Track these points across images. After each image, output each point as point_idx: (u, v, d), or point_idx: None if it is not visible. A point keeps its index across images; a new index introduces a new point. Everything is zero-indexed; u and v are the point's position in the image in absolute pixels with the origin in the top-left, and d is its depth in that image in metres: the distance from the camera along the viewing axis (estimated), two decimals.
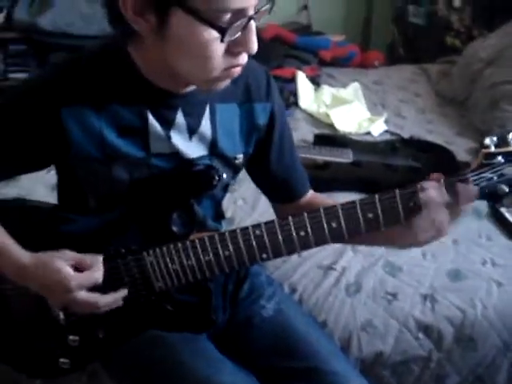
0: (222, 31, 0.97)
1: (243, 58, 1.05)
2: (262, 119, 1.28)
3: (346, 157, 2.23)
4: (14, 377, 1.48)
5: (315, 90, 2.97)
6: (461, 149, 2.53)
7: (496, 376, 1.70)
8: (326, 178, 2.18)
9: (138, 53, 1.11)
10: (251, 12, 0.99)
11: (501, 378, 1.70)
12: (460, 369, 1.66)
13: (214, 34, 0.98)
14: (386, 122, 2.75)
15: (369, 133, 2.65)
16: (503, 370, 1.69)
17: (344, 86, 3.07)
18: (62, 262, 1.11)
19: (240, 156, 1.29)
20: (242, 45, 1.02)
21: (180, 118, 1.17)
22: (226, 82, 1.10)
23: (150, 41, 1.04)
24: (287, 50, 3.16)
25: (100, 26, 3.28)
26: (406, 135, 2.59)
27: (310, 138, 2.49)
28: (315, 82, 3.03)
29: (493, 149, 1.08)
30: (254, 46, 1.02)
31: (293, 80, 2.91)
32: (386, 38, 4.28)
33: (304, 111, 2.82)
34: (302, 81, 2.91)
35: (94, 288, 1.14)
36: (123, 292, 1.18)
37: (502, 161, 1.08)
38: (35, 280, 1.13)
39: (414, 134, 2.61)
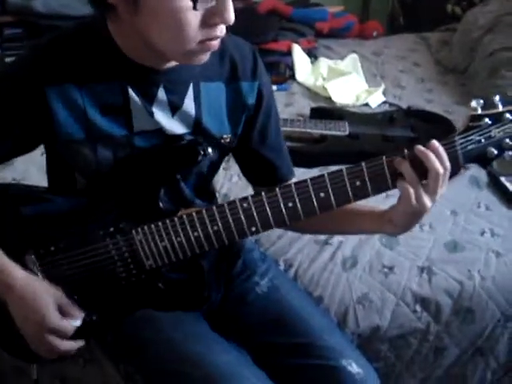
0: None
1: (220, 30, 1.02)
2: (250, 98, 1.26)
3: (342, 130, 2.20)
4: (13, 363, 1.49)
5: (312, 62, 2.93)
6: (460, 118, 2.47)
7: (496, 347, 1.69)
8: (323, 152, 2.16)
9: (116, 29, 1.10)
10: None
11: (501, 348, 1.70)
12: (459, 341, 1.66)
13: (187, 1, 0.96)
14: (385, 92, 2.71)
15: (367, 104, 2.61)
16: (503, 341, 1.69)
17: (342, 57, 3.03)
18: (52, 299, 1.13)
19: (227, 136, 1.26)
20: (218, 15, 0.99)
21: (162, 94, 1.16)
22: (205, 57, 1.07)
23: (125, 14, 1.02)
24: (283, 23, 3.11)
25: None
26: (404, 105, 2.56)
27: (307, 111, 2.45)
28: (312, 54, 2.99)
29: (479, 111, 1.05)
30: (230, 17, 0.99)
31: (289, 53, 2.87)
32: (386, 8, 4.22)
33: (301, 84, 2.78)
34: (299, 54, 2.87)
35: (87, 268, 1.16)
36: (79, 343, 1.19)
37: (490, 122, 1.05)
38: (15, 302, 1.14)
39: (413, 104, 2.58)
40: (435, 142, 1.06)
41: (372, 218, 1.22)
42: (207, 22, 1.00)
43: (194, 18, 0.98)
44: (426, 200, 1.08)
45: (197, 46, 1.03)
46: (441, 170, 1.05)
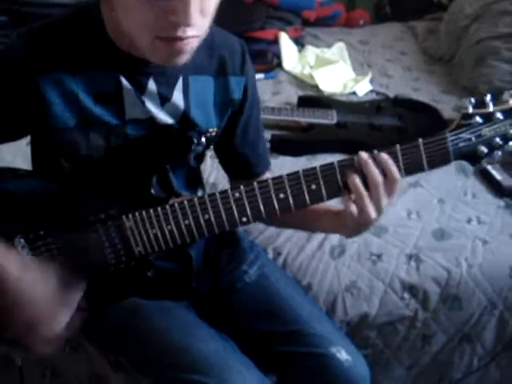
0: None
1: (182, 31, 0.98)
2: (236, 93, 1.27)
3: (329, 118, 2.19)
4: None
5: (299, 50, 2.92)
6: (448, 106, 2.49)
7: (483, 334, 1.71)
8: (310, 141, 2.16)
9: (108, 17, 1.09)
10: None
11: (488, 336, 1.71)
12: (446, 328, 1.67)
13: None
14: (372, 81, 2.71)
15: (354, 93, 2.61)
16: (490, 328, 1.70)
17: (329, 46, 3.02)
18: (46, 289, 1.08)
19: (213, 129, 1.27)
20: (174, 14, 0.95)
21: (152, 85, 1.16)
22: (175, 59, 1.03)
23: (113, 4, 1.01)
24: (270, 12, 3.09)
25: None
26: (391, 94, 2.56)
27: (294, 100, 2.45)
28: (299, 42, 2.98)
29: (471, 110, 1.06)
30: (188, 18, 0.95)
31: (276, 41, 2.86)
32: None
33: (288, 73, 2.77)
34: (286, 42, 2.85)
35: (77, 253, 1.14)
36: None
37: (480, 121, 1.06)
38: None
39: (400, 93, 2.58)
40: (382, 154, 1.06)
41: (329, 217, 1.23)
42: (163, 18, 0.96)
43: (145, 9, 0.96)
44: (371, 210, 1.08)
45: (158, 43, 1.00)
46: (379, 179, 1.05)
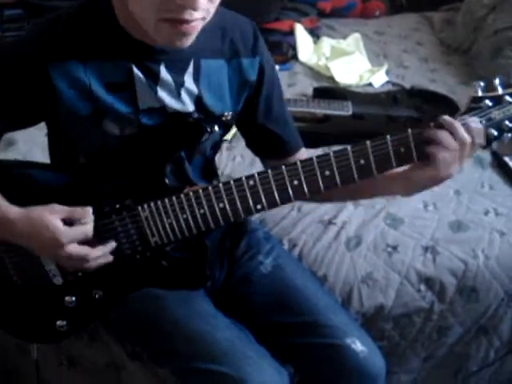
0: None
1: (187, 13, 0.98)
2: (252, 75, 1.27)
3: (345, 109, 2.19)
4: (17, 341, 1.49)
5: (315, 42, 2.90)
6: (464, 98, 2.45)
7: (499, 326, 1.70)
8: (326, 132, 2.15)
9: (118, 4, 1.10)
10: None
11: (504, 327, 1.71)
12: (463, 320, 1.66)
13: None
14: (388, 72, 2.69)
15: (370, 84, 2.59)
16: (507, 320, 1.69)
17: (344, 37, 3.00)
18: (52, 216, 1.10)
19: (228, 113, 1.27)
20: None
21: (164, 73, 1.16)
22: (180, 41, 1.04)
23: None
24: (286, 3, 3.08)
25: None
26: (408, 85, 2.54)
27: (310, 91, 2.44)
28: (314, 34, 2.97)
29: (480, 93, 1.06)
30: (195, 3, 0.96)
31: (291, 33, 2.85)
32: None
33: (303, 64, 2.76)
34: (301, 33, 2.84)
35: (86, 242, 1.14)
36: (111, 245, 1.17)
37: (490, 104, 1.07)
38: (24, 236, 1.12)
39: (417, 84, 2.55)
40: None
41: (389, 181, 1.21)
42: (169, 0, 0.97)
43: None
44: (456, 168, 1.09)
45: (163, 25, 1.01)
46: (469, 140, 1.06)
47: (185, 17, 0.98)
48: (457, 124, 1.05)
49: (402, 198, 1.64)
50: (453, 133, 1.05)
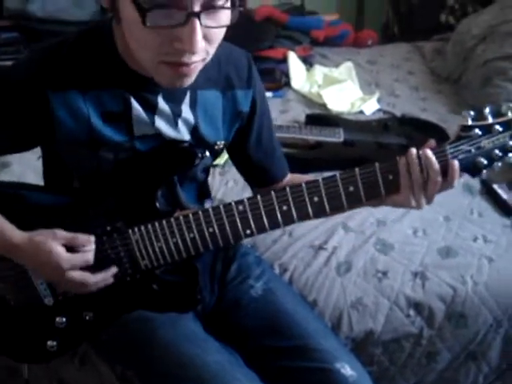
0: (143, 12, 0.92)
1: (186, 57, 0.98)
2: (245, 106, 1.29)
3: (337, 136, 2.21)
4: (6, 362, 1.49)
5: (307, 69, 2.95)
6: (455, 126, 2.48)
7: (488, 352, 1.70)
8: (318, 158, 2.17)
9: (119, 37, 1.11)
10: (195, 8, 0.93)
11: (493, 354, 1.71)
12: (451, 345, 1.66)
13: (136, 15, 0.94)
14: (379, 100, 2.73)
15: (361, 112, 2.63)
16: (495, 345, 1.70)
17: (337, 65, 3.05)
18: (54, 242, 1.12)
19: (221, 142, 1.29)
20: (180, 41, 0.95)
21: (162, 103, 1.18)
22: (180, 81, 1.05)
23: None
24: (279, 31, 3.13)
25: (91, 10, 3.26)
26: (399, 113, 2.58)
27: (302, 118, 2.47)
28: (307, 62, 3.01)
29: (470, 122, 1.08)
30: (194, 47, 0.95)
31: (285, 60, 2.89)
32: (381, 17, 4.25)
33: (296, 91, 2.80)
34: (294, 61, 2.89)
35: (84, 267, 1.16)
36: (112, 270, 1.19)
37: (480, 133, 1.08)
38: (26, 259, 1.15)
39: (407, 112, 2.60)
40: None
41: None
42: (168, 44, 0.97)
43: (149, 35, 0.96)
44: (423, 201, 1.12)
45: (163, 67, 1.01)
46: (439, 178, 1.09)
47: (184, 60, 0.99)
48: (432, 159, 1.08)
49: (392, 223, 1.67)
50: (426, 165, 1.09)
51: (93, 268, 1.17)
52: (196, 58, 1.00)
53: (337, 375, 1.29)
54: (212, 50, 1.04)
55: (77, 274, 1.14)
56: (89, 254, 1.15)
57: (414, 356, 1.64)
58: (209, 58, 1.05)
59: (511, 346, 1.70)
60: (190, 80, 1.05)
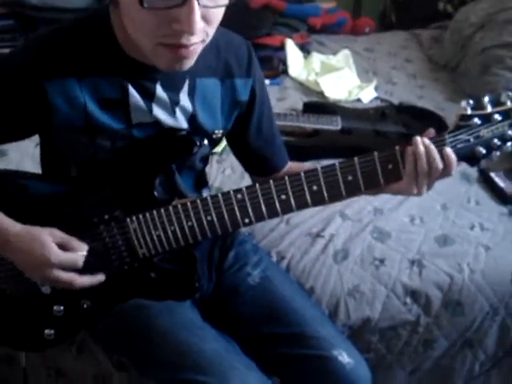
0: None
1: (184, 38, 0.97)
2: (243, 95, 1.28)
3: (334, 124, 2.21)
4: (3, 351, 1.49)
5: (305, 57, 2.93)
6: (452, 114, 2.47)
7: (485, 340, 1.71)
8: (315, 146, 2.17)
9: (117, 23, 1.10)
10: None
11: (490, 341, 1.72)
12: (448, 333, 1.67)
13: None
14: (376, 88, 2.72)
15: (359, 100, 2.62)
16: (492, 333, 1.71)
17: (334, 53, 3.04)
18: (49, 237, 1.12)
19: (219, 131, 1.28)
20: (178, 21, 0.94)
21: (160, 91, 1.17)
22: (179, 64, 1.04)
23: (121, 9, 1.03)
24: (276, 18, 3.11)
25: None
26: (396, 101, 2.57)
27: (300, 106, 2.46)
28: (305, 49, 3.00)
29: (469, 111, 1.08)
30: (192, 28, 0.94)
31: (282, 48, 2.87)
32: (378, 5, 4.23)
33: (293, 79, 2.79)
34: (292, 49, 2.87)
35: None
36: (99, 277, 1.19)
37: (479, 122, 1.08)
38: (19, 250, 1.13)
39: (405, 100, 2.59)
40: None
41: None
42: (167, 25, 0.96)
43: (147, 16, 0.95)
44: (425, 188, 1.12)
45: (162, 50, 1.00)
46: (441, 167, 1.09)
47: (183, 42, 0.98)
48: (432, 148, 1.08)
49: (389, 211, 1.67)
50: (427, 155, 1.09)
51: (89, 258, 1.16)
52: (195, 39, 0.99)
53: (334, 362, 1.30)
54: (211, 31, 1.03)
55: (62, 274, 1.13)
56: (80, 257, 1.15)
57: (410, 343, 1.65)
58: (208, 40, 1.04)
59: (507, 334, 1.71)
60: (189, 63, 1.05)
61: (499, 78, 2.58)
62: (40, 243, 1.11)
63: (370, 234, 1.76)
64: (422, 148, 1.08)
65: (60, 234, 1.14)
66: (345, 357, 1.31)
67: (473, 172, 2.05)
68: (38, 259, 1.12)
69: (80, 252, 1.15)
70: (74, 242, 1.15)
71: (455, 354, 1.72)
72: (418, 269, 1.65)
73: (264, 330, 1.35)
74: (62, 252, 1.12)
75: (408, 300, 1.61)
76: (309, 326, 1.34)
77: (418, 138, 1.09)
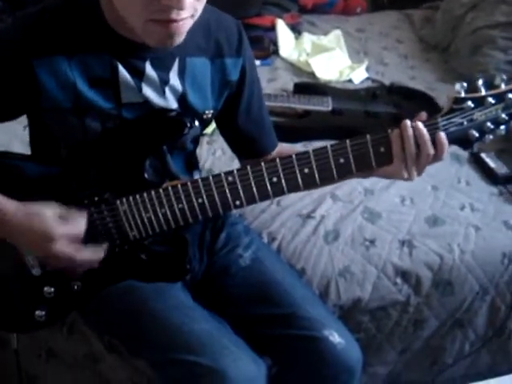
0: None
1: (174, 13, 0.98)
2: (233, 75, 1.28)
3: (325, 105, 2.20)
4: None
5: (296, 38, 2.92)
6: (443, 94, 2.49)
7: (474, 319, 1.73)
8: (306, 127, 2.16)
9: (105, 2, 1.10)
10: None
11: (479, 321, 1.73)
12: (438, 313, 1.69)
13: None
14: (368, 69, 2.71)
15: (350, 80, 2.61)
16: (481, 313, 1.72)
17: (325, 33, 3.01)
18: (48, 210, 1.10)
19: (210, 111, 1.28)
20: None
21: (149, 69, 1.16)
22: (170, 40, 1.04)
23: None
24: None
25: None
26: (387, 82, 2.56)
27: (290, 86, 2.45)
28: (296, 29, 2.98)
29: (463, 94, 1.07)
30: (181, 2, 0.95)
31: (273, 28, 2.85)
32: None
33: (284, 60, 2.77)
34: (282, 29, 2.85)
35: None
36: (100, 252, 1.16)
37: (472, 106, 1.08)
38: (18, 228, 1.11)
39: (396, 81, 2.58)
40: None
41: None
42: (155, 1, 0.96)
43: None
44: (415, 173, 1.12)
45: (152, 26, 1.00)
46: (432, 151, 1.08)
47: (172, 17, 0.98)
48: (424, 132, 1.08)
49: (380, 192, 1.68)
50: (416, 139, 1.08)
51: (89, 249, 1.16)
52: (184, 14, 0.99)
53: (325, 342, 1.31)
54: (200, 6, 1.03)
55: (65, 246, 1.11)
56: (80, 227, 1.13)
57: (400, 323, 1.66)
58: (197, 15, 1.04)
59: (497, 314, 1.73)
60: (179, 39, 1.04)
61: (490, 58, 2.58)
62: (39, 218, 1.09)
63: (361, 214, 1.76)
64: (409, 131, 1.08)
65: (57, 206, 1.12)
66: (336, 337, 1.32)
67: (463, 153, 2.05)
68: (39, 235, 1.10)
69: (81, 221, 1.13)
70: (73, 212, 1.13)
71: (445, 334, 1.74)
72: (409, 249, 1.66)
73: (255, 311, 1.35)
74: (63, 225, 1.11)
75: (398, 280, 1.62)
76: (299, 306, 1.34)
77: (408, 122, 1.09)
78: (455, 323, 1.73)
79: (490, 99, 1.08)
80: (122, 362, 1.50)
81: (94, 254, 1.16)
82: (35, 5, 1.14)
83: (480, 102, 1.08)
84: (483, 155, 2.03)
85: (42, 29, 1.10)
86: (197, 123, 1.24)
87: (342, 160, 1.11)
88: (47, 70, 1.11)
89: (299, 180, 1.12)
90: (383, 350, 1.71)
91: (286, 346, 1.34)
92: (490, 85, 1.09)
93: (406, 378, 1.81)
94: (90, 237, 1.17)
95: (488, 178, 1.97)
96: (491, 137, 1.11)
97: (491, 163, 2.00)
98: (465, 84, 1.09)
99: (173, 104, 1.21)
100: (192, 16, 1.02)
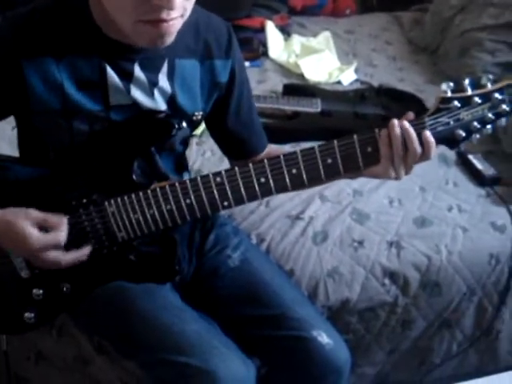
0: None
1: (164, 13, 0.98)
2: (222, 77, 1.28)
3: (314, 107, 2.21)
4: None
5: (285, 39, 2.92)
6: (431, 96, 2.49)
7: (462, 320, 1.74)
8: (295, 128, 2.17)
9: (94, 3, 1.10)
10: None
11: (467, 322, 1.75)
12: (426, 314, 1.70)
13: None
14: (357, 70, 2.72)
15: (339, 82, 2.62)
16: (469, 314, 1.74)
17: (315, 35, 3.02)
18: (26, 221, 1.10)
19: (199, 113, 1.28)
20: None
21: (138, 71, 1.17)
22: (160, 40, 1.04)
23: None
24: (256, 0, 3.09)
25: None
26: (376, 84, 2.57)
27: (280, 88, 2.46)
28: (285, 31, 2.98)
29: (449, 94, 1.08)
30: (171, 2, 0.96)
31: (262, 30, 2.86)
32: None
33: (274, 61, 2.77)
34: (272, 30, 2.86)
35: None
36: (85, 250, 1.17)
37: (459, 105, 1.08)
38: None
39: (385, 82, 2.59)
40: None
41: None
42: (145, 2, 0.97)
43: None
44: (402, 172, 1.12)
45: (142, 26, 1.01)
46: (419, 150, 1.09)
47: (162, 16, 0.99)
48: (410, 131, 1.08)
49: (368, 193, 1.68)
50: (405, 137, 1.08)
51: (68, 243, 1.15)
52: (174, 13, 1.00)
53: (314, 343, 1.32)
54: (189, 6, 1.03)
55: (48, 254, 1.12)
56: (61, 234, 1.13)
57: (389, 324, 1.67)
58: (187, 15, 1.05)
59: (484, 314, 1.74)
60: (169, 39, 1.05)
61: (478, 60, 2.59)
62: (18, 230, 1.09)
63: (349, 215, 1.77)
64: (397, 130, 1.08)
65: (35, 215, 1.11)
66: (324, 337, 1.33)
67: (451, 154, 2.06)
68: (20, 247, 1.11)
69: (61, 228, 1.13)
70: (51, 219, 1.12)
71: (433, 335, 1.75)
72: (397, 250, 1.67)
73: (244, 312, 1.36)
74: (42, 235, 1.10)
75: (386, 281, 1.63)
76: (288, 307, 1.35)
77: (395, 121, 1.09)
78: (443, 324, 1.74)
79: (477, 99, 1.09)
80: (112, 363, 1.50)
81: (78, 252, 1.16)
82: (25, 5, 1.14)
83: (466, 102, 1.09)
84: (470, 157, 2.04)
85: (32, 29, 1.10)
86: (185, 125, 1.25)
87: (329, 160, 1.11)
88: (36, 71, 1.11)
89: (287, 180, 1.13)
90: (371, 351, 1.72)
91: (274, 346, 1.34)
92: (476, 84, 1.10)
93: (394, 378, 1.82)
94: (79, 238, 1.18)
95: (475, 180, 1.98)
96: (478, 136, 1.11)
97: (478, 165, 2.01)
98: (451, 84, 1.09)
99: (162, 106, 1.22)
100: (182, 16, 1.03)
